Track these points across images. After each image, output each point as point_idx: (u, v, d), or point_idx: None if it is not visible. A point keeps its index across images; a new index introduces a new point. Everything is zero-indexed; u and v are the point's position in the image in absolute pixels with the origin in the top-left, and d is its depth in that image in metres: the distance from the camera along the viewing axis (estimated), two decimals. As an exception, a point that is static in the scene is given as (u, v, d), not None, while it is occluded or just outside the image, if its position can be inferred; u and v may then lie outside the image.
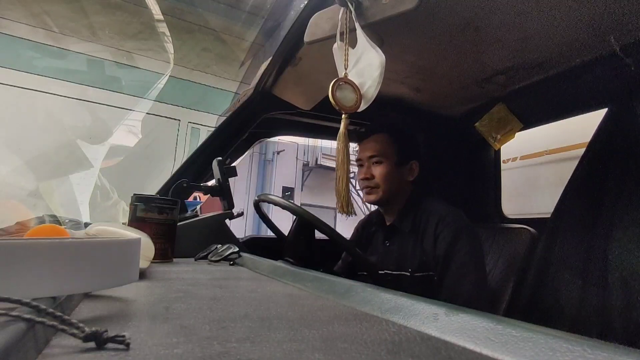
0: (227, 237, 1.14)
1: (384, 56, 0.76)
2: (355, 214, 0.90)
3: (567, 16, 0.89)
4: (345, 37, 0.80)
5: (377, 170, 1.11)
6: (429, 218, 1.04)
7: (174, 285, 0.51)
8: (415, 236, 1.06)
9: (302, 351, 0.25)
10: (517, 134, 1.39)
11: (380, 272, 1.10)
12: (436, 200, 1.11)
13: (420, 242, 1.04)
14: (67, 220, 1.16)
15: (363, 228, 1.27)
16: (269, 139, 1.59)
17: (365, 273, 1.05)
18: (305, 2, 0.96)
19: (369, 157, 1.12)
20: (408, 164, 1.13)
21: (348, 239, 1.02)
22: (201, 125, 4.01)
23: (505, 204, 1.51)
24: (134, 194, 0.85)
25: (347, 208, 0.84)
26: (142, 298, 0.42)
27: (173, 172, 1.30)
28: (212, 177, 1.26)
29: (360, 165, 1.16)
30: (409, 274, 1.03)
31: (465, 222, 1.03)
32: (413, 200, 1.12)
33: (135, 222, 0.83)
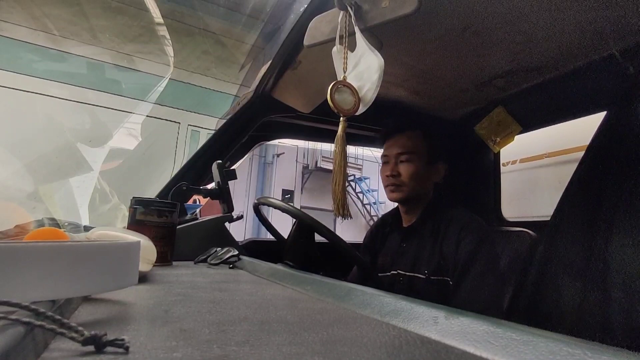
0: (227, 240, 1.14)
1: (382, 59, 0.76)
2: (352, 217, 0.89)
3: (566, 19, 0.90)
4: (344, 40, 0.81)
5: (405, 168, 1.07)
6: (451, 223, 1.02)
7: (173, 288, 0.51)
8: (435, 240, 1.04)
9: (301, 354, 0.24)
10: (517, 137, 1.39)
11: (393, 272, 1.09)
12: (458, 206, 1.09)
13: (439, 246, 1.02)
14: (66, 224, 1.16)
15: (377, 229, 1.25)
16: (268, 142, 1.59)
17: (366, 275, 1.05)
18: (305, 6, 0.97)
19: (398, 154, 1.09)
20: (437, 164, 1.11)
21: (348, 242, 1.01)
22: (201, 127, 4.01)
23: (505, 206, 1.51)
24: (134, 197, 0.85)
25: (343, 210, 0.84)
26: (141, 301, 0.42)
27: (173, 175, 1.30)
28: (211, 180, 1.26)
29: (385, 162, 1.13)
30: (424, 276, 1.02)
31: (488, 231, 1.02)
32: (435, 203, 1.10)
33: (134, 225, 0.82)
